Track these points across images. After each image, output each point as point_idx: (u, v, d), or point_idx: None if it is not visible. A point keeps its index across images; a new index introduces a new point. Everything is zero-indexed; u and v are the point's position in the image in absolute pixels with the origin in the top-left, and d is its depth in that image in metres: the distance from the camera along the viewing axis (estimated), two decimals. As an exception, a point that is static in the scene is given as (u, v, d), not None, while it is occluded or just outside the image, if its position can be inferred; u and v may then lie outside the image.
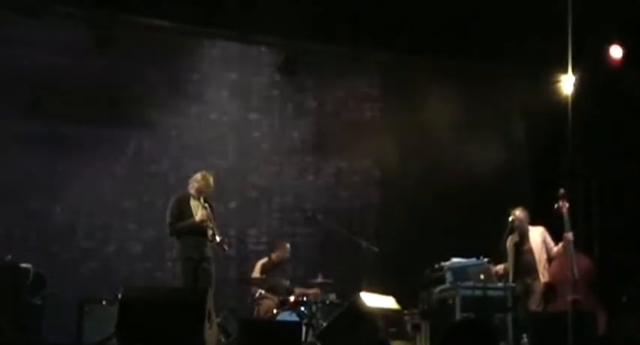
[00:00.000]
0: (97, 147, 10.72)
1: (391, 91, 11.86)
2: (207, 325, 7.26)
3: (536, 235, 9.36)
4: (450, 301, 9.11)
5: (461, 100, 11.17)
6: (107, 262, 10.65)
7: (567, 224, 9.15)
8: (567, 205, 9.18)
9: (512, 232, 9.39)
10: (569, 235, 9.09)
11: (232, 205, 11.28)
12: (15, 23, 10.29)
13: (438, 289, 9.46)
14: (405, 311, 9.38)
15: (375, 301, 8.90)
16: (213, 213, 9.07)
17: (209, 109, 11.48)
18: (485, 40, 10.75)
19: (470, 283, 9.11)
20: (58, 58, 10.42)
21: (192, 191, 9.09)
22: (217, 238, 8.96)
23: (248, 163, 11.59)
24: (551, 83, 10.72)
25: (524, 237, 9.36)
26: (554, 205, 9.12)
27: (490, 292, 9.06)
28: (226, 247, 9.20)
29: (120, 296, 7.47)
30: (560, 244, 9.19)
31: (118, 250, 10.79)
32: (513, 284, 9.13)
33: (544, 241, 9.32)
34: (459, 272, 9.26)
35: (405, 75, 11.67)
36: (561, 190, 9.27)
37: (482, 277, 9.16)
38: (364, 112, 12.09)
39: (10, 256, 8.99)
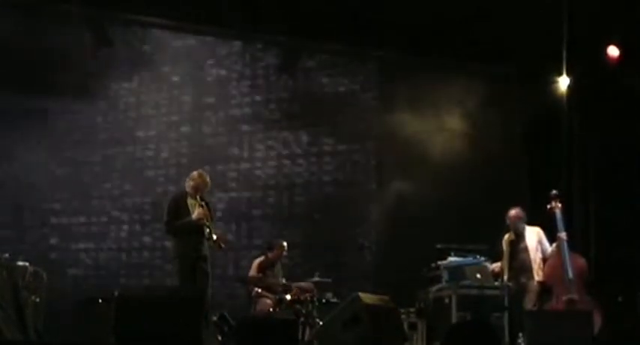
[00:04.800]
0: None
1: (391, 90, 11.87)
2: (204, 323, 7.26)
3: (533, 234, 9.37)
4: (447, 300, 9.14)
5: (460, 100, 11.19)
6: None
7: (560, 224, 9.18)
8: (560, 205, 9.22)
9: (509, 230, 9.42)
10: (563, 235, 9.12)
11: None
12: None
13: (434, 288, 9.49)
14: (402, 310, 9.39)
15: (371, 299, 8.91)
16: (209, 211, 9.08)
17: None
18: (485, 40, 10.75)
19: (466, 283, 9.15)
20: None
21: (188, 189, 9.09)
22: (214, 237, 8.96)
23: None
24: (549, 84, 10.74)
25: (520, 236, 9.37)
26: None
27: (486, 292, 9.11)
28: (223, 245, 9.21)
29: (116, 294, 7.48)
30: (555, 245, 9.22)
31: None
32: (510, 283, 9.15)
33: (540, 242, 9.33)
34: (456, 271, 9.29)
35: (405, 74, 11.67)
36: (553, 191, 9.32)
37: (478, 276, 9.19)
38: (363, 110, 12.12)
39: (7, 255, 9.00)
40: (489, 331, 5.74)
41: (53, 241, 12.28)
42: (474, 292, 9.10)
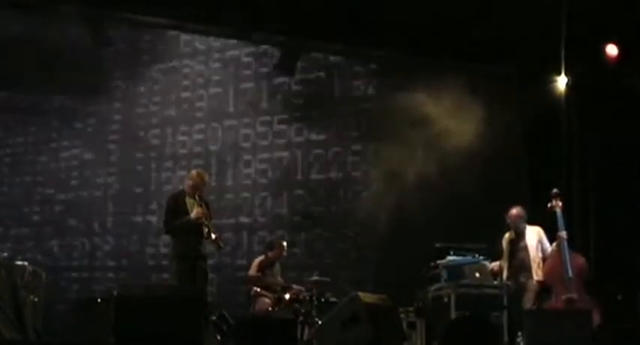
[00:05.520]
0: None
1: (391, 90, 11.88)
2: (204, 323, 7.27)
3: (533, 234, 9.37)
4: (446, 299, 9.13)
5: (459, 100, 11.19)
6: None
7: (561, 223, 9.18)
8: (560, 204, 9.23)
9: (509, 229, 9.43)
10: (563, 234, 9.12)
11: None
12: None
13: (433, 287, 9.48)
14: (401, 309, 9.39)
15: (371, 299, 8.92)
16: (208, 210, 9.08)
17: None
18: (485, 40, 10.75)
19: (466, 282, 9.15)
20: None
21: (187, 189, 9.10)
22: (213, 236, 8.96)
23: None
24: (548, 83, 10.74)
25: (520, 235, 9.38)
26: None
27: (486, 291, 9.12)
28: (222, 245, 9.22)
29: (116, 294, 7.48)
30: (555, 244, 9.22)
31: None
32: (509, 282, 9.15)
33: (540, 241, 9.34)
34: (455, 270, 9.28)
35: (405, 74, 11.68)
36: (554, 190, 9.33)
37: (477, 275, 9.20)
38: (363, 110, 12.14)
39: (6, 254, 9.01)
40: (488, 327, 5.73)
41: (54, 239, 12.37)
42: (473, 291, 9.10)
